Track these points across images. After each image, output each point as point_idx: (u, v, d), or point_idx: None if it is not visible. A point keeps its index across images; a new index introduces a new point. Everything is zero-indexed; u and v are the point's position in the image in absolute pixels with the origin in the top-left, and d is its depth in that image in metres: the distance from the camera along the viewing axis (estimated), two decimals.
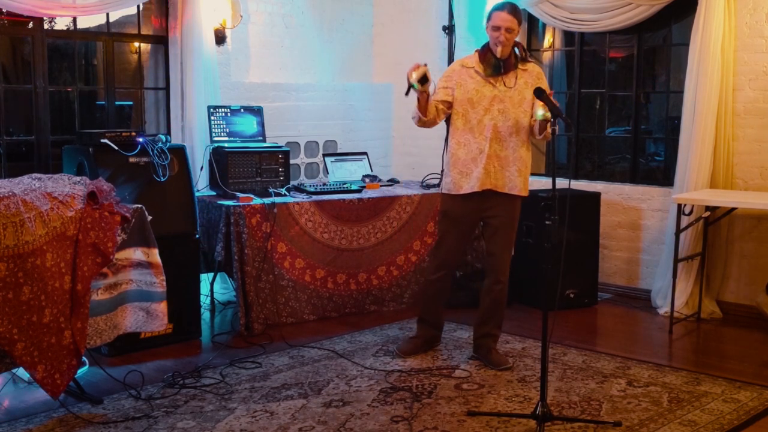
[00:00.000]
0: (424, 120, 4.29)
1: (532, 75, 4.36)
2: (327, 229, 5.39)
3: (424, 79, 4.06)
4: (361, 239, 5.54)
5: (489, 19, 4.27)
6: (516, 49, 4.34)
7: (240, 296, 5.06)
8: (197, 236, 4.97)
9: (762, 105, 5.41)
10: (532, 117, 4.31)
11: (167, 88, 5.85)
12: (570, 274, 5.18)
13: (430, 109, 4.27)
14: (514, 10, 4.24)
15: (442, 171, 4.53)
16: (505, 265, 4.45)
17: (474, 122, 4.31)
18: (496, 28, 4.21)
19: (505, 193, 4.35)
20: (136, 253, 4.10)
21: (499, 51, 4.25)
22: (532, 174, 6.67)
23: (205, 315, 5.45)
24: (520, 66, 4.34)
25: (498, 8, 4.26)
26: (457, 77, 4.35)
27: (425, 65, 4.08)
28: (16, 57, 5.74)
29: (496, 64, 4.28)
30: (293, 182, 5.76)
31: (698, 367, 4.51)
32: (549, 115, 3.88)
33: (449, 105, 4.36)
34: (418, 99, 4.18)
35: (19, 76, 5.67)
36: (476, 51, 4.39)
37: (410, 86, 4.09)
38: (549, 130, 4.12)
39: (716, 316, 5.52)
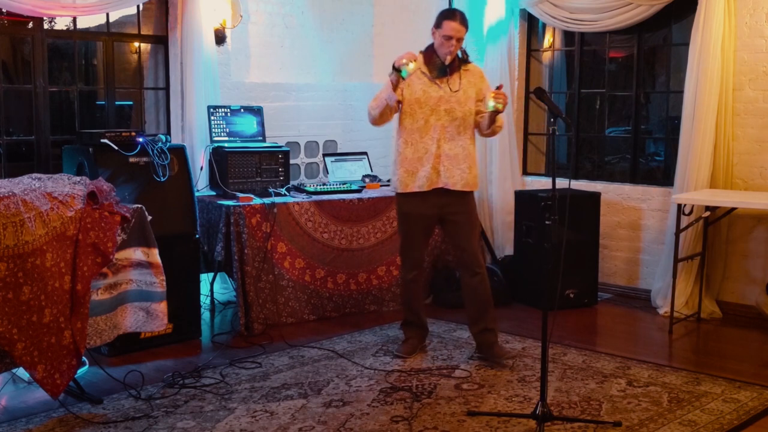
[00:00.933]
0: (391, 106, 4.34)
1: (475, 75, 4.51)
2: (327, 229, 5.39)
3: (411, 70, 4.19)
4: (361, 239, 5.54)
5: (440, 27, 4.36)
6: (459, 53, 4.46)
7: (240, 296, 5.06)
8: (197, 236, 4.97)
9: (762, 105, 5.41)
10: (477, 114, 4.43)
11: (167, 88, 5.85)
12: (570, 274, 5.18)
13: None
14: (464, 20, 4.38)
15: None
16: (477, 257, 4.52)
17: (421, 122, 4.41)
18: (448, 38, 4.33)
19: (458, 190, 4.42)
20: (136, 253, 4.10)
21: (448, 59, 4.37)
22: (532, 174, 6.78)
23: (205, 315, 5.45)
24: (462, 67, 4.47)
25: (449, 17, 4.35)
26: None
27: (416, 57, 4.22)
28: (16, 57, 5.74)
29: (442, 67, 4.40)
30: (293, 182, 5.76)
31: (698, 367, 4.51)
32: (500, 106, 4.13)
33: (400, 103, 4.45)
34: (393, 83, 4.25)
35: (19, 76, 5.67)
36: (420, 52, 4.48)
37: (398, 70, 4.17)
38: (499, 123, 4.38)
39: (716, 316, 5.52)
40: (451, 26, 4.32)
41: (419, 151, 4.42)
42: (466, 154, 4.44)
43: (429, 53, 4.45)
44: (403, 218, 4.57)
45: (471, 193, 4.52)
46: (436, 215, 4.51)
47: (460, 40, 4.36)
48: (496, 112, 4.25)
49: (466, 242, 4.49)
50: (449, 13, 4.41)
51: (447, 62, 4.38)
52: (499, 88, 4.22)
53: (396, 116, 4.52)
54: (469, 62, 4.53)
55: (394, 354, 4.65)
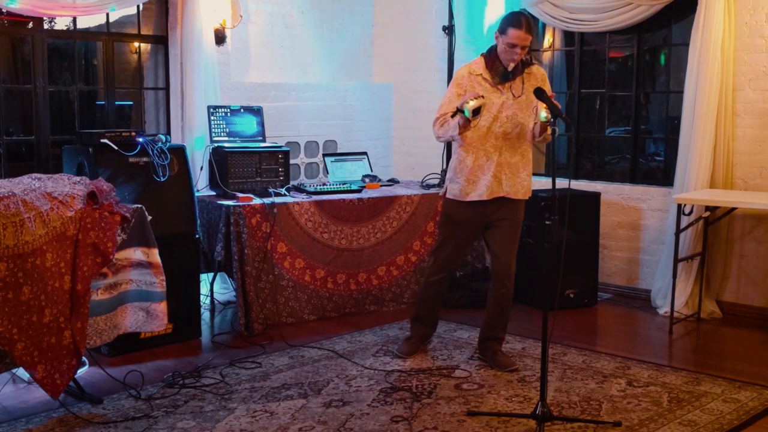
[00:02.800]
0: (455, 139, 4.29)
1: (537, 78, 4.35)
2: (327, 229, 5.39)
3: (477, 111, 4.05)
4: (361, 239, 5.54)
5: (504, 33, 4.18)
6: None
7: (240, 296, 5.06)
8: (197, 236, 4.97)
9: (762, 105, 5.41)
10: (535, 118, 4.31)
11: (167, 88, 5.85)
12: (570, 274, 5.17)
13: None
14: (530, 27, 4.20)
15: (443, 172, 4.51)
16: (511, 269, 4.43)
17: (483, 130, 4.28)
18: (513, 46, 4.16)
19: (518, 199, 4.36)
20: (136, 253, 4.10)
21: (511, 66, 4.23)
22: (533, 174, 6.76)
23: (205, 315, 5.45)
24: (525, 70, 4.33)
25: (515, 25, 4.15)
26: (467, 84, 4.30)
27: (483, 98, 4.09)
28: (16, 57, 5.74)
29: (505, 73, 4.26)
30: (293, 182, 5.76)
31: (698, 367, 4.51)
32: (550, 116, 3.88)
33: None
34: (461, 125, 4.14)
35: (19, 76, 5.67)
36: (482, 56, 4.35)
37: (461, 111, 4.06)
38: (549, 132, 4.12)
39: (716, 316, 5.52)
40: (516, 34, 4.13)
41: (480, 159, 4.30)
42: (525, 162, 4.35)
43: (491, 59, 4.29)
44: (449, 222, 4.46)
45: (523, 201, 4.42)
46: (484, 222, 4.42)
47: (524, 48, 4.19)
48: (546, 123, 4.02)
49: (503, 251, 4.39)
50: (515, 20, 4.17)
51: (510, 69, 4.24)
52: (551, 97, 3.98)
53: None
54: (532, 64, 4.36)
55: (394, 354, 4.65)
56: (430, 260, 4.67)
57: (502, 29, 4.21)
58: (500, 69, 4.26)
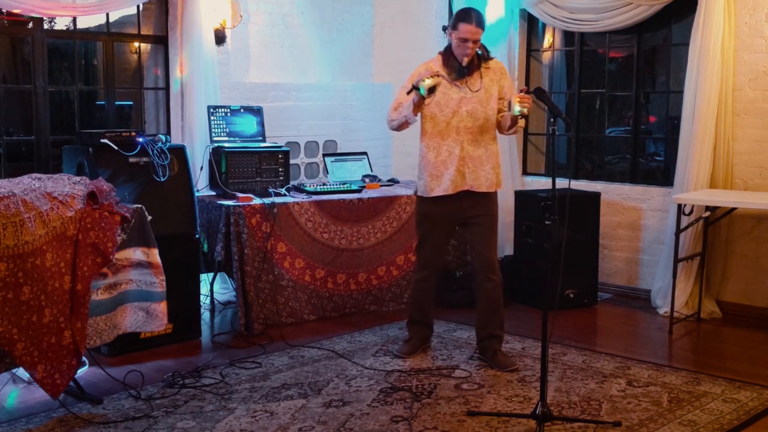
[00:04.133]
0: (410, 122, 4.36)
1: (497, 71, 4.44)
2: (327, 229, 5.39)
3: (432, 90, 4.12)
4: (361, 239, 5.54)
5: (456, 29, 4.28)
6: (478, 51, 4.38)
7: (240, 296, 5.06)
8: (197, 236, 4.97)
9: (762, 105, 5.41)
10: (499, 113, 4.38)
11: (167, 88, 5.85)
12: (570, 274, 5.18)
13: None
14: (480, 21, 4.30)
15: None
16: (494, 263, 4.48)
17: (442, 125, 4.36)
18: (465, 40, 4.26)
19: (483, 192, 4.39)
20: (136, 253, 4.10)
21: (465, 60, 4.31)
22: (532, 174, 6.78)
23: (205, 315, 5.45)
24: (483, 65, 4.40)
25: (465, 20, 4.27)
26: (431, 98, 4.35)
27: (440, 78, 4.17)
28: (16, 57, 5.74)
29: (461, 69, 4.34)
30: (293, 182, 5.76)
31: (698, 367, 4.51)
32: (526, 111, 4.01)
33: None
34: (415, 103, 4.22)
35: (19, 76, 5.67)
36: (439, 54, 4.44)
37: (417, 89, 4.12)
38: (520, 124, 4.28)
39: (716, 316, 5.52)
40: (467, 29, 4.23)
41: (442, 154, 4.36)
42: (489, 155, 4.39)
43: (447, 56, 4.38)
44: (423, 219, 4.52)
45: (495, 193, 4.47)
46: (458, 218, 4.47)
47: (476, 42, 4.28)
48: (520, 116, 4.11)
49: (484, 246, 4.43)
50: (465, 15, 4.29)
51: (464, 64, 4.31)
52: (522, 91, 4.11)
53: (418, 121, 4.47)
54: (490, 58, 4.43)
55: (394, 354, 4.65)
56: (416, 259, 4.74)
57: (454, 25, 4.32)
58: (455, 65, 4.35)
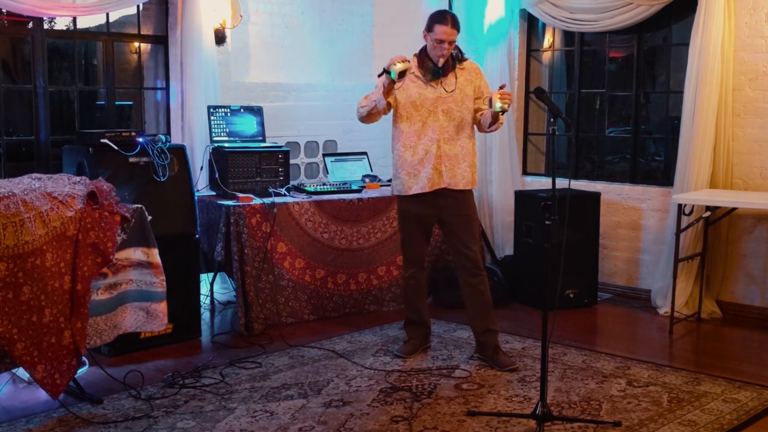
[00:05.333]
0: (379, 109, 4.40)
1: (471, 72, 4.50)
2: (327, 229, 5.39)
3: (402, 74, 4.20)
4: (361, 239, 5.54)
5: (431, 30, 4.33)
6: (452, 52, 4.43)
7: (240, 296, 5.06)
8: (197, 236, 4.97)
9: (762, 105, 5.41)
10: (477, 112, 4.44)
11: (167, 88, 5.85)
12: (570, 274, 5.18)
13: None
14: (455, 22, 4.36)
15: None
16: (477, 258, 4.52)
17: (419, 125, 4.41)
18: (440, 41, 4.31)
19: (459, 190, 4.44)
20: (136, 253, 4.10)
21: (441, 61, 4.37)
22: (532, 174, 6.78)
23: (205, 315, 5.45)
24: (457, 66, 4.45)
25: (441, 22, 4.32)
26: (401, 82, 4.40)
27: (410, 62, 4.24)
28: (16, 57, 5.74)
29: (436, 70, 4.39)
30: (293, 182, 5.76)
31: (698, 367, 4.51)
32: (506, 107, 4.13)
33: (390, 106, 4.45)
34: (385, 86, 4.28)
35: (19, 76, 5.67)
36: (414, 55, 4.47)
37: (387, 72, 4.20)
38: (501, 121, 4.37)
39: (716, 316, 5.52)
40: (442, 30, 4.30)
41: (419, 153, 4.42)
42: (465, 153, 4.45)
43: (422, 57, 4.45)
44: (403, 218, 4.60)
45: (471, 191, 4.53)
46: (436, 215, 4.52)
47: (452, 43, 4.35)
48: (501, 113, 4.24)
49: (465, 243, 4.49)
50: (440, 17, 4.36)
51: (440, 65, 4.38)
52: (502, 87, 4.20)
53: (392, 120, 4.53)
54: (465, 59, 4.51)
55: (394, 354, 4.65)
56: (402, 258, 4.79)
57: (429, 27, 4.38)
58: (430, 66, 4.41)
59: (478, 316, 4.53)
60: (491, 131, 4.55)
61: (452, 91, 4.41)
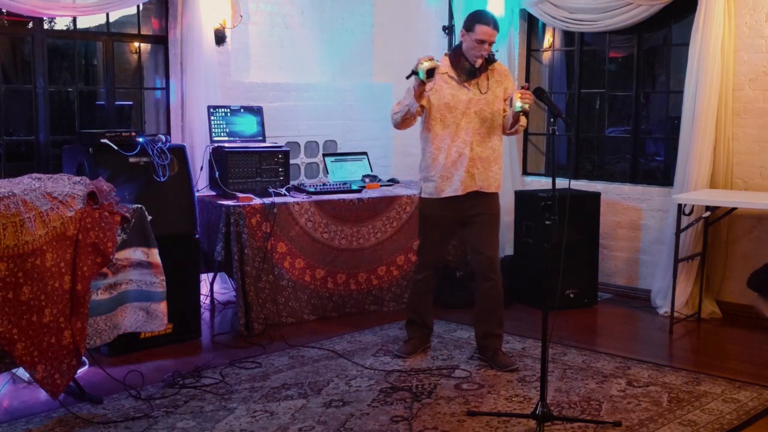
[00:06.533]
0: (412, 113, 4.32)
1: (501, 73, 4.45)
2: (327, 229, 5.39)
3: (431, 73, 4.10)
4: (361, 239, 5.54)
5: (472, 30, 4.27)
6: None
7: (240, 296, 5.06)
8: (197, 236, 4.97)
9: (762, 105, 5.41)
10: (504, 112, 4.39)
11: (167, 88, 5.85)
12: (570, 274, 5.18)
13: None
14: (496, 24, 4.32)
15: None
16: (494, 262, 4.48)
17: (452, 127, 4.35)
18: (481, 42, 4.26)
19: (490, 192, 4.41)
20: (136, 253, 4.10)
21: (478, 62, 4.32)
22: (532, 174, 6.78)
23: (205, 315, 5.45)
24: (489, 67, 4.41)
25: (483, 22, 4.27)
26: (432, 82, 4.34)
27: (438, 62, 4.15)
28: (16, 57, 5.74)
29: (472, 70, 4.34)
30: (293, 182, 5.76)
31: (698, 367, 4.51)
32: (527, 107, 4.06)
33: (423, 109, 4.39)
34: (415, 89, 4.21)
35: (19, 76, 5.66)
36: (446, 55, 4.44)
37: (415, 73, 4.12)
38: (522, 123, 4.30)
39: (716, 316, 5.52)
40: (483, 30, 4.23)
41: (452, 156, 4.35)
42: (496, 156, 4.41)
43: (456, 57, 4.37)
44: (426, 221, 4.52)
45: (497, 194, 4.48)
46: (461, 218, 4.45)
47: (491, 44, 4.28)
48: (522, 113, 4.17)
49: (484, 244, 4.43)
50: (482, 17, 4.29)
51: (477, 65, 4.31)
52: (524, 88, 4.14)
53: (423, 122, 4.45)
54: (495, 61, 4.42)
55: (394, 354, 4.65)
56: (416, 259, 4.74)
57: (469, 27, 4.30)
58: (466, 66, 4.35)
59: (481, 317, 4.52)
60: (511, 134, 4.48)
61: (485, 93, 4.34)
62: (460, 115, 4.33)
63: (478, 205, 4.40)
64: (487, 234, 4.44)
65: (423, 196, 4.51)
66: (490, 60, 4.37)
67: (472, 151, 4.34)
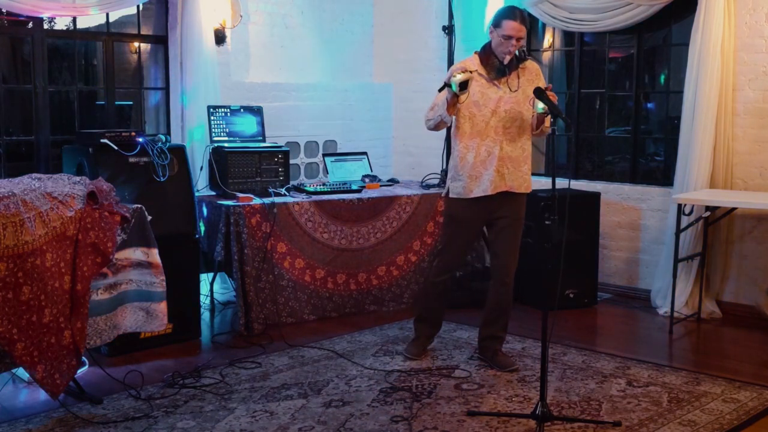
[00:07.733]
0: (446, 122, 4.26)
1: (532, 72, 4.36)
2: (327, 229, 5.39)
3: (464, 85, 4.02)
4: (360, 239, 5.54)
5: (499, 26, 4.18)
6: (516, 51, 4.31)
7: (240, 296, 5.06)
8: (197, 236, 4.97)
9: (762, 105, 5.41)
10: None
11: (167, 88, 5.85)
12: (570, 274, 5.17)
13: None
14: (524, 18, 4.21)
15: (443, 172, 4.50)
16: (511, 268, 4.42)
17: (482, 125, 4.26)
18: (508, 38, 4.16)
19: (519, 193, 4.35)
20: (136, 253, 4.10)
21: (507, 59, 4.22)
22: (532, 174, 6.69)
23: (205, 315, 5.45)
24: (520, 65, 4.31)
25: (509, 17, 4.17)
26: (466, 95, 4.26)
27: (472, 74, 4.07)
28: (16, 57, 5.74)
29: (501, 67, 4.25)
30: (293, 182, 5.76)
31: (698, 367, 4.51)
32: (548, 108, 3.92)
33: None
34: (447, 100, 4.13)
35: (19, 76, 5.67)
36: (476, 53, 4.35)
37: (448, 85, 4.04)
38: (546, 124, 4.19)
39: (716, 316, 5.51)
40: (511, 26, 4.14)
41: (481, 155, 4.26)
42: (526, 156, 4.33)
43: (486, 55, 4.28)
44: (452, 221, 4.43)
45: (525, 195, 4.41)
46: (488, 218, 4.40)
47: (519, 39, 4.18)
48: (544, 115, 4.06)
49: (505, 251, 4.38)
50: (509, 12, 4.20)
51: (506, 62, 4.22)
52: (547, 89, 3.99)
53: (452, 121, 4.34)
54: (527, 59, 4.33)
55: (404, 356, 4.60)
56: (434, 261, 4.64)
57: (497, 23, 4.22)
58: (496, 64, 4.26)
59: (489, 319, 4.50)
60: (537, 135, 4.37)
61: (516, 91, 4.26)
62: (490, 113, 4.24)
63: (505, 206, 4.33)
64: (510, 240, 4.37)
65: (451, 196, 4.40)
66: (521, 58, 4.26)
67: (501, 150, 4.25)
